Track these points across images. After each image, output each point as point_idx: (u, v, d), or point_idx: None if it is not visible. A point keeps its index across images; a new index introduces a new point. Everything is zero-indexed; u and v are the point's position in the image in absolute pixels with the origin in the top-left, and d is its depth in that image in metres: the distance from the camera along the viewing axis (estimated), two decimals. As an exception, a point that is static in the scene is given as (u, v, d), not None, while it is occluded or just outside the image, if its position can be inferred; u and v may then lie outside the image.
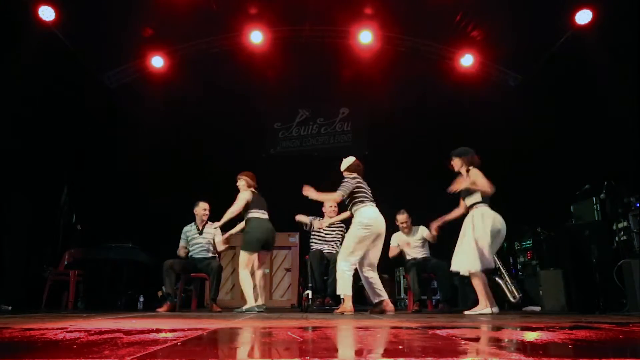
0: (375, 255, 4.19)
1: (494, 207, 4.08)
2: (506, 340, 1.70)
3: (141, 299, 5.60)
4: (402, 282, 6.75)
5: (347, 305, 4.00)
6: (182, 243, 5.15)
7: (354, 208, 4.16)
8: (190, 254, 5.11)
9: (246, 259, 4.37)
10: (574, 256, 4.64)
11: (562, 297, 4.74)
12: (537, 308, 5.09)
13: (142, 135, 6.93)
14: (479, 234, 3.91)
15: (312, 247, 5.36)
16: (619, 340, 1.66)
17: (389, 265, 6.05)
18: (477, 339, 1.73)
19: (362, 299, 6.60)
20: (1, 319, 3.00)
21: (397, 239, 5.32)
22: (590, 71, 5.57)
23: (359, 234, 4.04)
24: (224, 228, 5.03)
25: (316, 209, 5.42)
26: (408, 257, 5.28)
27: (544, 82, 6.57)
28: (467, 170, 4.15)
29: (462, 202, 4.25)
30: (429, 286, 5.46)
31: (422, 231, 5.24)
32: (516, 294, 5.01)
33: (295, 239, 6.26)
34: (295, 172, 7.26)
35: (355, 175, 4.29)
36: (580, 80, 5.76)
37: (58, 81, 5.88)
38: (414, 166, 7.18)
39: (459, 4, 6.27)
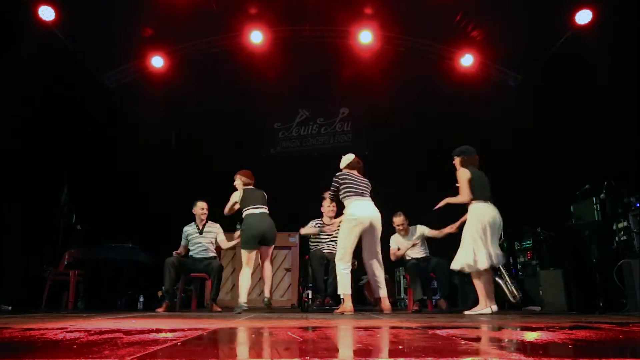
0: (371, 246, 4.22)
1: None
2: (506, 340, 1.70)
3: (141, 299, 5.59)
4: (402, 282, 6.75)
5: (347, 305, 4.02)
6: (183, 243, 5.15)
7: (345, 203, 4.29)
8: (190, 253, 5.11)
9: (245, 257, 4.39)
10: (574, 256, 4.63)
11: (562, 297, 4.73)
12: (537, 308, 5.09)
13: (142, 135, 6.94)
14: (470, 231, 4.01)
15: (312, 247, 5.36)
16: (619, 340, 1.66)
17: (389, 265, 6.05)
18: (477, 339, 1.73)
19: (362, 299, 6.61)
20: (1, 319, 3.00)
21: (395, 241, 5.31)
22: (590, 71, 5.57)
23: (344, 228, 4.20)
24: (226, 228, 5.06)
25: (314, 209, 5.42)
26: (408, 257, 5.27)
27: (544, 82, 6.57)
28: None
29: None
30: (429, 286, 5.46)
31: (420, 229, 5.23)
32: (516, 294, 5.00)
33: (295, 239, 6.26)
34: (295, 172, 7.28)
35: (347, 172, 4.32)
36: (580, 80, 5.76)
37: (58, 81, 5.87)
38: (414, 166, 7.18)
39: (459, 4, 6.26)
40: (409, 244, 5.21)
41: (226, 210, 4.59)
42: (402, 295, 6.67)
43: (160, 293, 5.06)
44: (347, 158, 4.42)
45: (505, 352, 1.32)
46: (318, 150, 8.04)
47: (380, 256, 4.31)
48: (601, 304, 4.19)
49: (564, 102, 6.06)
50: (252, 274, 4.47)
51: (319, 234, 5.34)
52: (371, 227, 4.18)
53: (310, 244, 5.40)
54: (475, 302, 4.06)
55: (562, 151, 6.02)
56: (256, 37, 6.84)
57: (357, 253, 4.50)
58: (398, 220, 5.23)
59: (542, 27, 6.05)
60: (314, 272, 4.99)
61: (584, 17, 5.80)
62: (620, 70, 5.06)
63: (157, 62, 7.09)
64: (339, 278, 4.16)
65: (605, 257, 4.34)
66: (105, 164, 6.79)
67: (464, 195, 4.07)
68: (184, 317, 3.41)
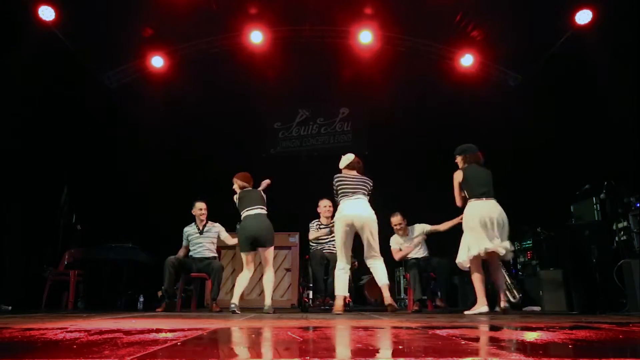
0: (367, 244, 4.21)
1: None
2: (506, 340, 1.70)
3: (141, 299, 5.59)
4: (402, 282, 6.75)
5: (337, 303, 4.11)
6: (184, 243, 5.15)
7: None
8: (190, 253, 5.11)
9: (243, 260, 4.41)
10: (574, 256, 4.64)
11: (562, 297, 4.74)
12: (537, 308, 5.09)
13: (142, 135, 6.94)
14: (465, 228, 4.11)
15: (312, 247, 5.36)
16: (619, 340, 1.66)
17: (389, 265, 6.05)
18: (477, 339, 1.73)
19: (362, 299, 6.62)
20: (1, 319, 3.00)
21: (395, 241, 5.29)
22: (590, 71, 5.58)
23: (335, 228, 4.29)
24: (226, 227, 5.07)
25: (314, 209, 5.42)
26: (408, 257, 5.27)
27: (544, 82, 6.57)
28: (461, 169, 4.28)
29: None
30: (429, 286, 5.46)
31: (419, 228, 5.22)
32: (516, 294, 5.01)
33: (295, 239, 6.26)
34: (295, 172, 7.28)
35: (344, 172, 4.33)
36: (580, 80, 5.76)
37: (58, 81, 5.87)
38: (414, 166, 7.18)
39: (459, 4, 6.26)
40: (411, 245, 5.19)
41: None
42: (402, 295, 6.67)
43: (160, 293, 5.06)
44: (347, 158, 4.42)
45: (505, 352, 1.32)
46: (318, 150, 8.04)
47: (376, 250, 4.25)
48: (601, 304, 4.19)
49: (564, 102, 6.06)
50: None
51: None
52: (358, 225, 4.16)
53: (311, 244, 5.40)
54: (475, 302, 4.06)
55: (562, 151, 6.02)
56: (256, 37, 6.84)
57: (358, 253, 4.50)
58: (395, 220, 5.22)
59: (542, 27, 6.05)
60: (314, 272, 4.99)
61: (584, 17, 5.80)
62: (620, 70, 5.06)
63: (157, 62, 7.09)
64: (334, 278, 4.27)
65: (605, 257, 4.34)
66: (105, 164, 6.79)
67: (456, 201, 4.24)
68: (184, 317, 3.41)
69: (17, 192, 5.27)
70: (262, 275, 4.53)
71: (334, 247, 5.24)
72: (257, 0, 6.48)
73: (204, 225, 5.15)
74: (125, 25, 6.17)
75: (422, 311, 4.77)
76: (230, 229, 4.99)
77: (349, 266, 4.30)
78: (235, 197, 4.54)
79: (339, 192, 4.28)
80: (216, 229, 5.20)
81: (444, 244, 5.16)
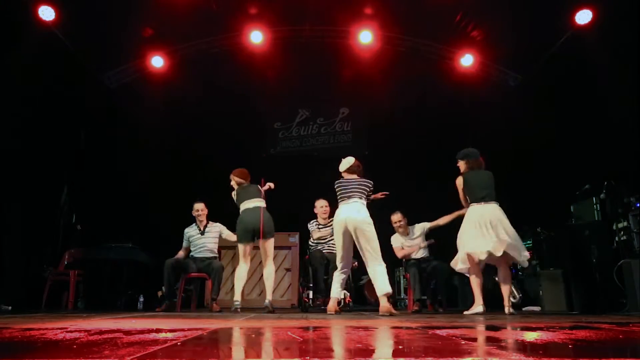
0: (363, 247, 4.04)
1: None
2: (506, 340, 1.70)
3: (141, 299, 5.59)
4: (402, 282, 6.75)
5: (329, 304, 4.11)
6: (184, 244, 5.15)
7: None
8: (191, 254, 5.11)
9: (240, 251, 4.44)
10: (574, 256, 4.64)
11: (562, 297, 4.74)
12: (537, 308, 5.09)
13: (142, 135, 6.94)
14: (461, 231, 4.15)
15: (312, 247, 5.36)
16: (619, 340, 1.66)
17: (389, 265, 6.06)
18: (477, 339, 1.73)
19: (362, 299, 6.62)
20: (1, 319, 3.00)
21: (396, 240, 5.30)
22: (590, 71, 5.57)
23: (334, 232, 4.28)
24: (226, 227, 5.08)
25: (312, 209, 5.41)
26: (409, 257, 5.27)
27: (544, 82, 6.56)
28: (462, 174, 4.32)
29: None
30: (429, 286, 5.46)
31: (420, 227, 5.22)
32: (516, 294, 5.01)
33: (295, 239, 6.26)
34: (295, 172, 7.27)
35: (344, 176, 4.32)
36: (580, 80, 5.76)
37: (58, 81, 5.87)
38: (414, 166, 7.17)
39: (459, 4, 6.26)
40: (415, 245, 5.19)
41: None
42: (402, 295, 6.67)
43: (160, 293, 5.06)
44: (347, 162, 4.31)
45: (505, 352, 1.32)
46: (318, 150, 8.03)
47: (372, 254, 4.05)
48: (601, 304, 4.20)
49: (564, 102, 6.06)
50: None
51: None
52: (351, 227, 4.05)
53: (311, 243, 5.40)
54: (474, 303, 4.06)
55: (562, 151, 6.02)
56: (256, 37, 6.84)
57: (358, 253, 4.49)
58: (395, 217, 5.24)
59: (542, 27, 6.05)
60: (314, 272, 4.99)
61: (584, 17, 5.80)
62: (620, 71, 5.06)
63: (157, 62, 7.09)
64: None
65: (605, 257, 4.34)
66: (105, 164, 6.79)
67: (464, 206, 4.32)
68: (184, 317, 3.41)
69: (17, 192, 5.27)
70: (261, 276, 4.55)
71: (334, 247, 5.25)
72: (257, 0, 6.48)
73: (205, 226, 5.15)
74: (125, 25, 6.17)
75: (422, 311, 4.78)
76: (231, 228, 4.99)
77: (348, 269, 4.29)
78: (233, 193, 4.56)
79: (338, 196, 4.29)
80: (217, 229, 5.20)
81: (444, 245, 5.16)
